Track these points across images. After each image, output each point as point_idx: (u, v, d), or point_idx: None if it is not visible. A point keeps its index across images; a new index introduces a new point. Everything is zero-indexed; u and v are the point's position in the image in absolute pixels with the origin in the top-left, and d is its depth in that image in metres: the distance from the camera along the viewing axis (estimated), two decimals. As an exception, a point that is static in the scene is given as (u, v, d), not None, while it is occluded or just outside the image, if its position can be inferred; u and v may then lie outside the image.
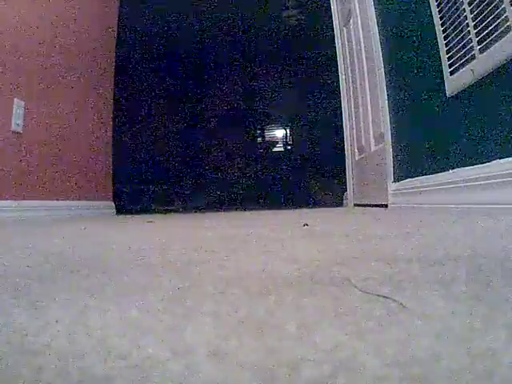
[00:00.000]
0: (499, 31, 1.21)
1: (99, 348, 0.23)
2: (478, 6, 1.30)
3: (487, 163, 1.31)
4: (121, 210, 3.14)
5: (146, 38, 5.37)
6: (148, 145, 6.00)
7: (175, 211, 4.23)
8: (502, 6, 1.17)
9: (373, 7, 2.47)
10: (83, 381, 0.19)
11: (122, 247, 0.79)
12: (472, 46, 1.36)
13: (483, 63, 1.31)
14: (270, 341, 0.23)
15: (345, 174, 3.28)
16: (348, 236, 0.84)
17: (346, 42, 3.14)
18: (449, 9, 1.50)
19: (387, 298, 0.30)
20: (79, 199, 2.58)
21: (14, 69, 2.08)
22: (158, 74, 6.10)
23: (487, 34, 1.27)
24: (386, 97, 2.36)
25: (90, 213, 2.63)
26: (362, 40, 2.76)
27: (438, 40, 1.59)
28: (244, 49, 6.03)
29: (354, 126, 3.08)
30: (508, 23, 1.16)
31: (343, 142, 3.29)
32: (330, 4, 3.39)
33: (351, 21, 2.95)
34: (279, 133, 6.75)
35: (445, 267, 0.42)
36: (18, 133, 2.09)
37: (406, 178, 2.10)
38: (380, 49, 2.41)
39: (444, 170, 1.63)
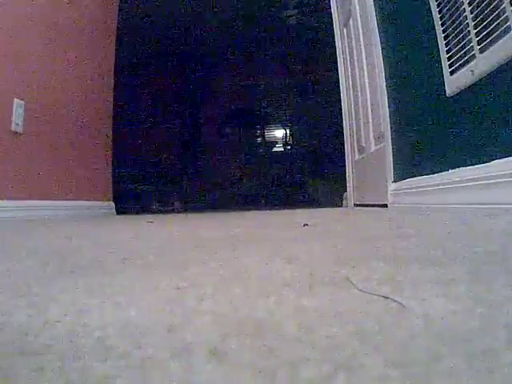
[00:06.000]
0: (499, 31, 1.21)
1: (99, 348, 0.23)
2: (478, 5, 1.30)
3: (487, 163, 1.31)
4: (121, 210, 3.14)
5: (145, 38, 5.37)
6: (148, 145, 6.00)
7: (175, 211, 4.23)
8: (502, 6, 1.17)
9: (373, 7, 2.47)
10: (83, 381, 0.19)
11: (122, 247, 0.79)
12: (472, 46, 1.36)
13: (483, 63, 1.31)
14: (270, 341, 0.23)
15: (345, 174, 3.28)
16: (348, 236, 0.84)
17: (346, 42, 3.14)
18: (449, 9, 1.50)
19: (387, 298, 0.30)
20: (79, 199, 2.58)
21: (14, 69, 2.08)
22: (157, 74, 6.10)
23: (487, 33, 1.26)
24: (386, 97, 2.36)
25: (90, 213, 2.63)
26: (362, 40, 2.76)
27: (438, 40, 1.59)
28: (244, 48, 6.03)
29: (354, 126, 3.08)
30: (508, 23, 1.16)
31: (343, 142, 3.29)
32: (330, 4, 3.39)
33: (351, 21, 2.95)
34: (279, 133, 6.74)
35: (445, 267, 0.42)
36: (18, 133, 2.09)
37: (405, 178, 2.10)
38: (380, 49, 2.41)
39: (444, 170, 1.63)
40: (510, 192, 1.15)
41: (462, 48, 1.43)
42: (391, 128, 2.31)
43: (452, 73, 1.53)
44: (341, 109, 3.30)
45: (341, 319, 0.26)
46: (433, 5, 1.60)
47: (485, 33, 1.27)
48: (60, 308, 0.32)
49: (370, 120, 2.68)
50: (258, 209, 3.53)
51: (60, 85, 2.44)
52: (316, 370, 0.19)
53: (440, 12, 1.56)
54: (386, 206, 2.28)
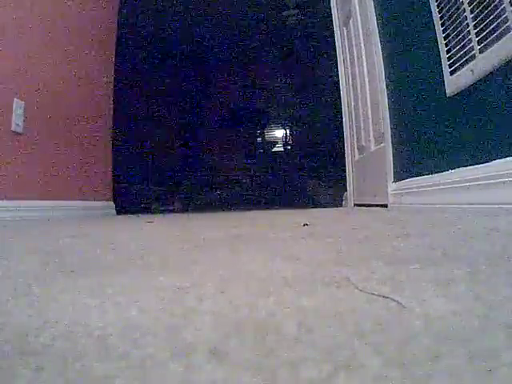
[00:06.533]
0: (499, 31, 1.21)
1: (99, 348, 0.23)
2: (478, 5, 1.30)
3: (487, 163, 1.31)
4: (121, 210, 3.14)
5: (145, 38, 5.37)
6: (148, 145, 6.00)
7: (175, 211, 4.23)
8: (502, 6, 1.17)
9: (373, 7, 2.47)
10: (83, 381, 0.19)
11: (121, 247, 0.79)
12: (472, 46, 1.36)
13: (483, 63, 1.31)
14: (270, 341, 0.23)
15: (345, 174, 3.28)
16: (348, 236, 0.84)
17: (346, 42, 3.14)
18: (449, 9, 1.50)
19: (387, 298, 0.30)
20: (79, 199, 2.58)
21: (14, 69, 2.08)
22: (157, 74, 6.10)
23: (487, 33, 1.26)
24: (386, 97, 2.36)
25: (89, 213, 2.63)
26: (362, 40, 2.76)
27: (438, 40, 1.59)
28: (244, 48, 6.03)
29: (354, 126, 3.08)
30: (508, 23, 1.16)
31: (343, 141, 3.29)
32: (330, 4, 3.39)
33: (351, 21, 2.95)
34: (279, 133, 6.75)
35: (445, 267, 0.42)
36: (18, 133, 2.09)
37: (405, 178, 2.10)
38: (380, 49, 2.41)
39: (444, 170, 1.63)
40: (510, 192, 1.15)
41: (462, 48, 1.43)
42: (391, 128, 2.31)
43: (452, 73, 1.53)
44: (341, 109, 3.30)
45: (341, 319, 0.26)
46: (433, 5, 1.60)
47: (485, 33, 1.27)
48: (60, 308, 0.32)
49: (370, 120, 2.68)
50: (258, 209, 3.53)
51: (60, 85, 2.44)
52: (316, 370, 0.19)
53: (440, 12, 1.56)
54: (386, 206, 2.28)
